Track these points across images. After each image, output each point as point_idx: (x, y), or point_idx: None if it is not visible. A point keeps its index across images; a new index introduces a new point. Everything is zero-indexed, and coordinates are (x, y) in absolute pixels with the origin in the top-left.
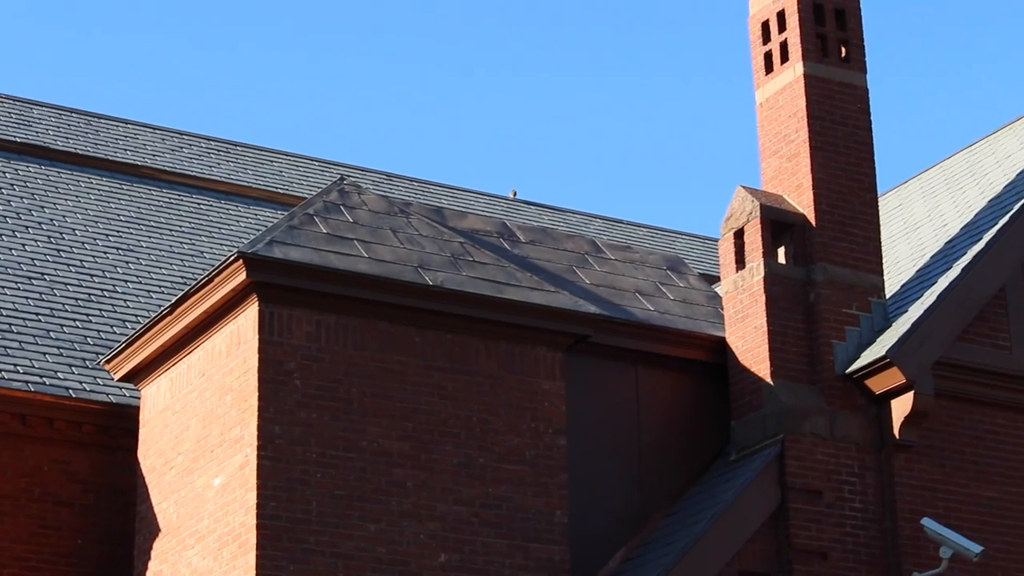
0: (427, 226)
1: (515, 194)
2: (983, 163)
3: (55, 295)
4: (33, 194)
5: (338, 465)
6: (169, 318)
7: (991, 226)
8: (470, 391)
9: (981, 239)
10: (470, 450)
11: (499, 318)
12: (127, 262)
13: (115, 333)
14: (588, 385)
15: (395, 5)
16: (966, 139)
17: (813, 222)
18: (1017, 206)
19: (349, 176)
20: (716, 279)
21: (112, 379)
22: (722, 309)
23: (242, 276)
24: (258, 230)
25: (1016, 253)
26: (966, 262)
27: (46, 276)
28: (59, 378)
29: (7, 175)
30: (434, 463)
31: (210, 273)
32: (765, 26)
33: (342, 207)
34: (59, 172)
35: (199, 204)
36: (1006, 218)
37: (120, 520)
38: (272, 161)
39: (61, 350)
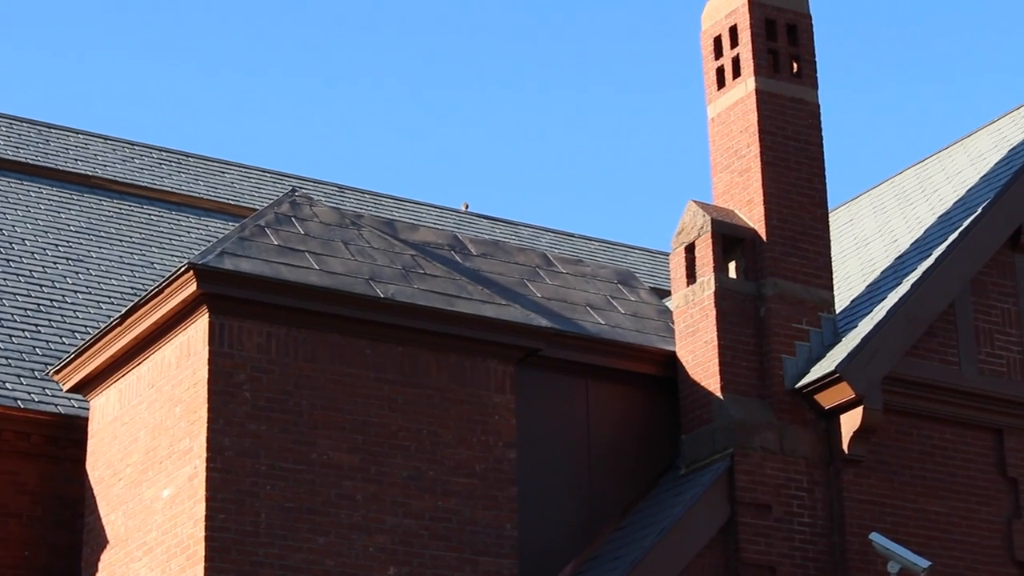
0: (379, 238)
1: (467, 207)
2: (933, 179)
3: (4, 305)
4: None
5: (287, 477)
6: (119, 329)
7: (941, 242)
8: (420, 404)
9: (931, 255)
10: (420, 463)
11: (450, 331)
12: (77, 272)
13: (64, 344)
14: (539, 398)
15: (345, 18)
16: (917, 155)
17: (764, 237)
18: (967, 222)
19: (301, 188)
20: (667, 293)
21: (61, 390)
22: (673, 323)
23: (192, 287)
24: (209, 241)
25: (965, 269)
26: (916, 278)
27: None
28: (7, 389)
29: None
30: (384, 476)
31: (160, 284)
32: (717, 41)
33: (293, 219)
34: (8, 182)
35: (150, 215)
36: (956, 234)
37: (68, 532)
38: (224, 172)
39: (10, 360)
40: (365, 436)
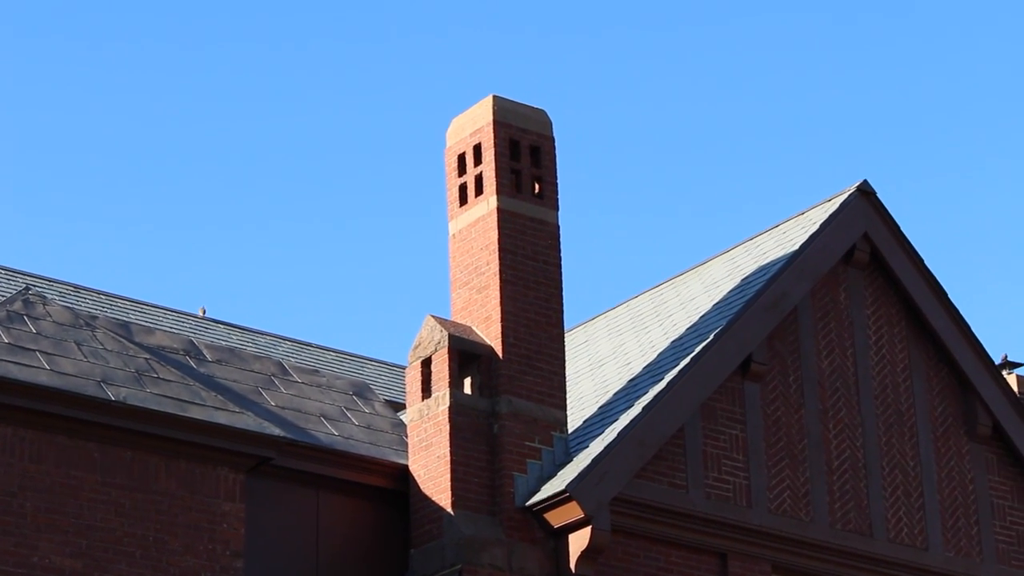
0: (113, 340)
1: (204, 312)
2: (668, 305)
3: None
4: None
5: None
6: None
7: (673, 367)
8: (148, 510)
9: (663, 379)
10: (144, 570)
11: (181, 437)
12: None
13: None
14: (269, 508)
15: (80, 110)
16: (652, 280)
17: (500, 354)
18: (699, 349)
19: (35, 286)
20: (403, 407)
21: None
22: (407, 437)
23: None
24: None
25: (696, 395)
26: (647, 401)
27: None
28: None
29: None
30: None
31: None
32: (462, 158)
33: (26, 317)
34: None
35: None
36: (687, 359)
37: None
38: None
39: None
40: (89, 541)
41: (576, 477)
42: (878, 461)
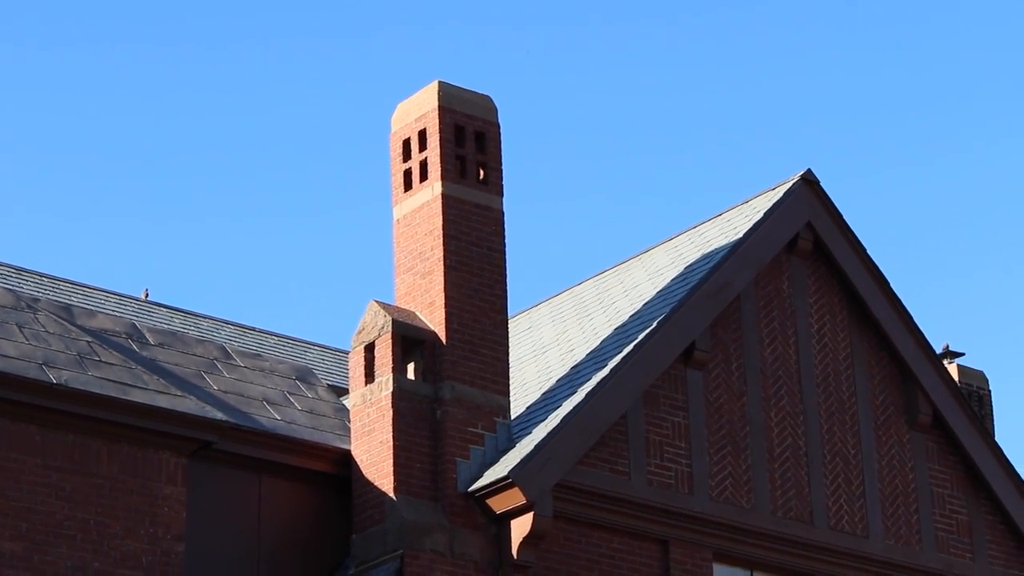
0: (55, 323)
1: (147, 295)
2: (612, 292)
3: None
4: None
5: None
6: None
7: (616, 354)
8: (89, 493)
9: (606, 366)
10: (86, 553)
11: (123, 420)
12: None
13: None
14: (211, 492)
15: (22, 95)
16: (596, 268)
17: (444, 340)
18: (642, 336)
19: None
20: (345, 392)
21: None
22: (349, 422)
23: None
24: None
25: (639, 381)
26: (590, 388)
27: None
28: None
29: None
30: (48, 565)
31: None
32: (406, 144)
33: None
34: None
35: None
36: (631, 346)
37: None
38: None
39: None
40: (30, 524)
41: (518, 463)
42: (819, 449)
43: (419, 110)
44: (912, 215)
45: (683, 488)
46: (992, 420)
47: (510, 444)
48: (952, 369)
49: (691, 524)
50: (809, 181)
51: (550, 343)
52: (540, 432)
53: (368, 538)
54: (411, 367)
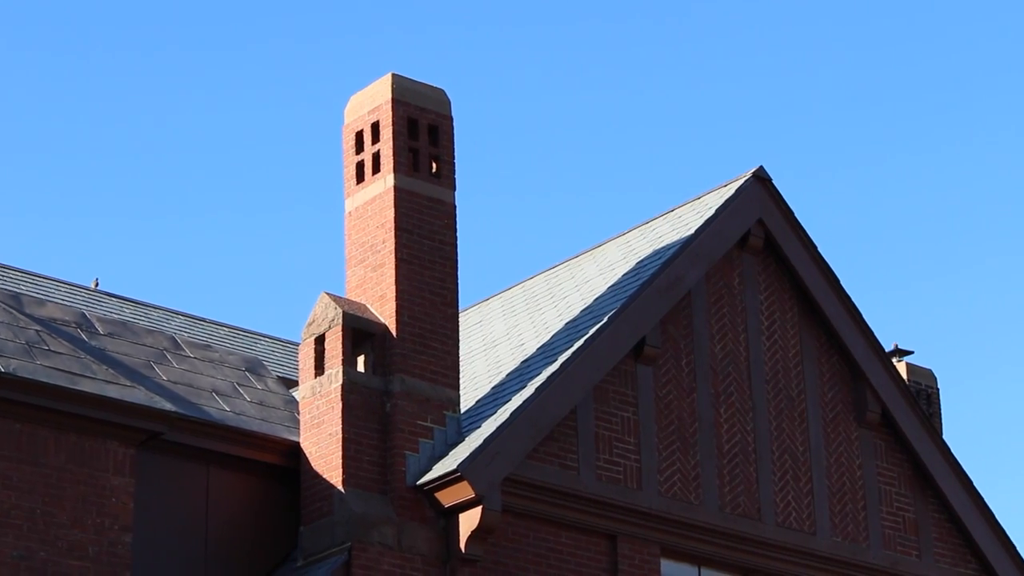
0: (3, 311)
1: (97, 284)
2: (563, 286)
3: None
4: None
5: None
6: None
7: (567, 349)
8: (36, 482)
9: (556, 361)
10: (32, 543)
11: (71, 410)
12: None
13: None
14: (159, 482)
15: None
16: (547, 262)
17: (394, 333)
18: (593, 331)
19: None
20: (295, 383)
21: None
22: (299, 414)
23: None
24: None
25: (589, 376)
26: (540, 382)
27: None
28: None
29: None
30: None
31: None
32: (359, 136)
33: None
34: None
35: None
36: (581, 341)
37: None
38: None
39: None
40: None
41: (467, 457)
42: (768, 446)
43: (372, 102)
44: (863, 214)
45: (632, 483)
46: (940, 418)
47: (459, 438)
48: (901, 367)
49: (639, 519)
50: (761, 178)
51: (501, 337)
52: (489, 426)
53: (316, 530)
54: (361, 360)
